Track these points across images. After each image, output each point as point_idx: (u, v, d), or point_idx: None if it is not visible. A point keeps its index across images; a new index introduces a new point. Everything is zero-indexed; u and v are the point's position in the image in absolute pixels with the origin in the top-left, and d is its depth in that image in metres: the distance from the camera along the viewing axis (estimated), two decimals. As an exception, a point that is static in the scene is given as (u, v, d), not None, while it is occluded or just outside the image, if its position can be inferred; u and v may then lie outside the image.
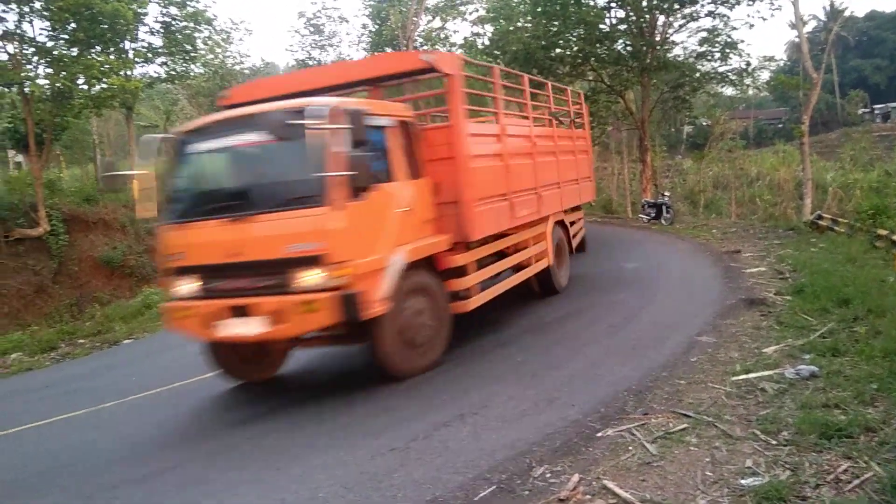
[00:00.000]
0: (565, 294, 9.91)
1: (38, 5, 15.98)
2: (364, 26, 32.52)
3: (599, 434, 4.59)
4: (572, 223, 11.05)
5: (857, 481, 3.58)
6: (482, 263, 7.60)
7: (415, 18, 28.78)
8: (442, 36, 32.04)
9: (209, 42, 25.63)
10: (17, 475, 5.20)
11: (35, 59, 16.60)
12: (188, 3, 21.63)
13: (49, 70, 16.51)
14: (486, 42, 24.38)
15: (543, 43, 20.36)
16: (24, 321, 14.90)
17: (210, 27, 23.25)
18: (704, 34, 20.27)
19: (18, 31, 16.17)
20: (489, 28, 26.05)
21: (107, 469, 4.91)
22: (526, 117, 9.45)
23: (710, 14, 19.58)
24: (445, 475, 4.12)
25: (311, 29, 33.23)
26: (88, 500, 4.36)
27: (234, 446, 5.04)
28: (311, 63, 31.55)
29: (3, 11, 15.64)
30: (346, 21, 40.62)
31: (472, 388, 5.83)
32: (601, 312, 8.49)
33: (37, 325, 14.33)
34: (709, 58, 20.81)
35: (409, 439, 4.76)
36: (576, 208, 11.57)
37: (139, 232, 18.01)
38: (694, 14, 19.79)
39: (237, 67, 30.94)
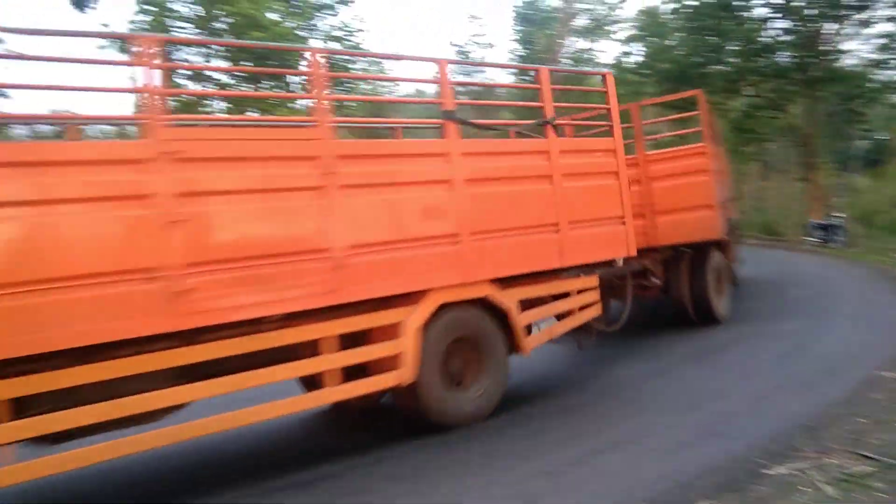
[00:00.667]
0: (725, 321, 9.33)
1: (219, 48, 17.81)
2: (513, 51, 33.00)
3: (767, 471, 4.28)
4: (540, 300, 6.45)
5: None
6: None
7: (559, 41, 28.82)
8: (585, 57, 31.81)
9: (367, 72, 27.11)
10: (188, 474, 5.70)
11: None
12: (344, 38, 23.06)
13: (227, 104, 18.25)
14: (636, 61, 23.86)
15: (697, 59, 19.61)
16: None
17: (365, 60, 24.60)
18: (883, 41, 18.58)
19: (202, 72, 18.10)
20: (636, 46, 25.51)
21: (272, 472, 5.24)
22: (314, 123, 5.24)
23: (891, 19, 17.91)
24: (600, 502, 4.02)
25: (461, 57, 34.19)
26: (260, 498, 4.69)
27: (390, 459, 5.23)
28: (458, 89, 32.56)
29: (191, 55, 17.58)
30: (492, 46, 41.73)
31: (627, 417, 5.68)
32: (767, 341, 7.94)
33: None
34: (887, 65, 19.03)
35: (561, 464, 4.70)
36: (578, 268, 6.79)
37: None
38: (869, 20, 18.21)
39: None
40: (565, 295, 6.70)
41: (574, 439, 5.22)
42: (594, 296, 6.99)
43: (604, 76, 7.47)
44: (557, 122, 6.69)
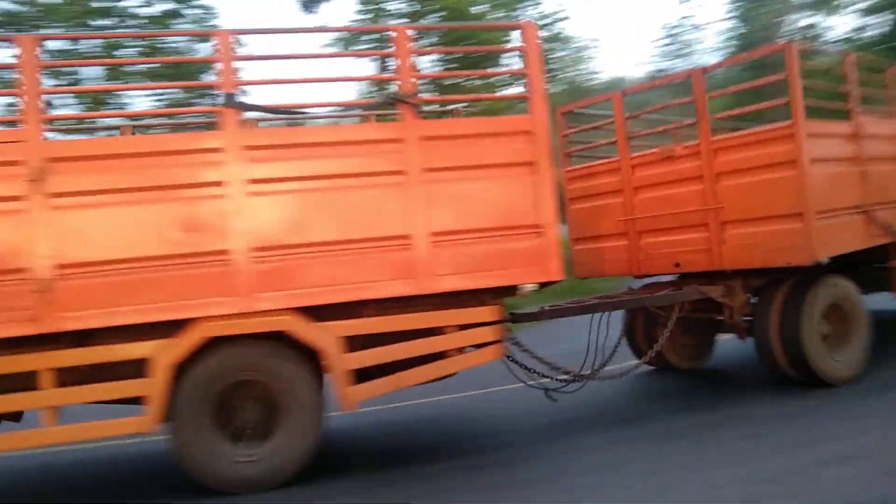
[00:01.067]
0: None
1: (429, 40, 18.70)
2: (732, 28, 30.86)
3: None
4: (396, 337, 4.99)
5: None
6: None
7: (780, 18, 26.41)
8: (811, 34, 28.82)
9: (566, 60, 26.98)
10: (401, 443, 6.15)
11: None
12: (548, 26, 23.06)
13: (434, 93, 19.09)
14: (877, 35, 21.22)
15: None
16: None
17: (566, 47, 24.47)
18: None
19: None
20: (878, 18, 22.61)
21: (434, 455, 5.42)
22: (20, 124, 4.57)
23: None
24: (826, 517, 3.77)
25: (668, 40, 32.81)
26: (464, 472, 4.97)
27: (596, 449, 5.30)
28: (659, 75, 31.27)
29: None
30: (700, 28, 39.73)
31: (855, 429, 5.19)
32: None
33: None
34: None
35: (778, 472, 4.42)
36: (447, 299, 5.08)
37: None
38: None
39: (587, 84, 31.92)
40: (437, 331, 5.11)
41: (794, 447, 4.89)
42: (491, 333, 5.23)
43: (522, 28, 5.49)
44: (419, 98, 5.15)
